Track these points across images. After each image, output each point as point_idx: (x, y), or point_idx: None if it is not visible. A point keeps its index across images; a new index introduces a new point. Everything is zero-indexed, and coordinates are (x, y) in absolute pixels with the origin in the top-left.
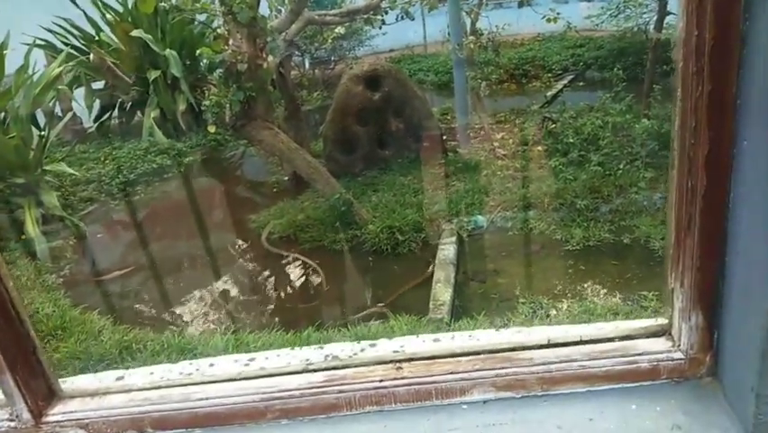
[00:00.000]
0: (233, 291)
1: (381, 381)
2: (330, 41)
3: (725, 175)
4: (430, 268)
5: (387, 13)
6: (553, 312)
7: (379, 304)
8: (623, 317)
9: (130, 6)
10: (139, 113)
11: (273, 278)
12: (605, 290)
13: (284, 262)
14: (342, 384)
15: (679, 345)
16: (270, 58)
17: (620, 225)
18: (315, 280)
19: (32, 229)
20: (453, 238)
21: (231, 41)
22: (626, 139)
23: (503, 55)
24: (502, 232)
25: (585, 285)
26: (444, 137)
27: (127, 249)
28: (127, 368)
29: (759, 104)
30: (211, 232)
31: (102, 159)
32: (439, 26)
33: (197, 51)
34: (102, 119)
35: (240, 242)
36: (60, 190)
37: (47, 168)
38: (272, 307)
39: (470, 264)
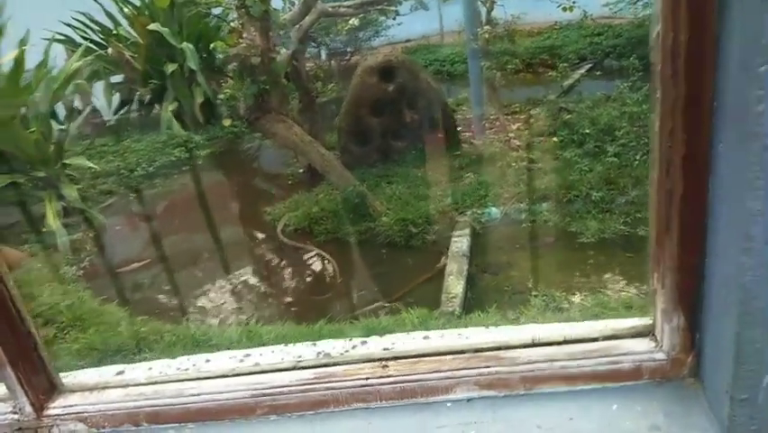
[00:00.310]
0: (249, 283)
1: (368, 378)
2: (345, 32)
3: (702, 178)
4: (443, 260)
5: (401, 3)
6: (566, 305)
7: (391, 297)
8: (637, 311)
9: (147, 0)
10: (157, 106)
11: (288, 270)
12: (620, 284)
13: (298, 254)
14: (329, 381)
15: (661, 346)
16: (284, 50)
17: (636, 217)
18: (329, 272)
19: (52, 222)
20: (467, 230)
21: (244, 35)
22: (643, 129)
23: (519, 44)
24: (516, 224)
25: (599, 278)
26: (459, 128)
27: (145, 241)
28: (145, 360)
29: (734, 106)
30: (227, 224)
31: (121, 152)
32: (455, 16)
33: (212, 45)
34: (121, 112)
35: (255, 234)
36: (80, 183)
37: (67, 161)
38: (286, 299)
39: (483, 257)
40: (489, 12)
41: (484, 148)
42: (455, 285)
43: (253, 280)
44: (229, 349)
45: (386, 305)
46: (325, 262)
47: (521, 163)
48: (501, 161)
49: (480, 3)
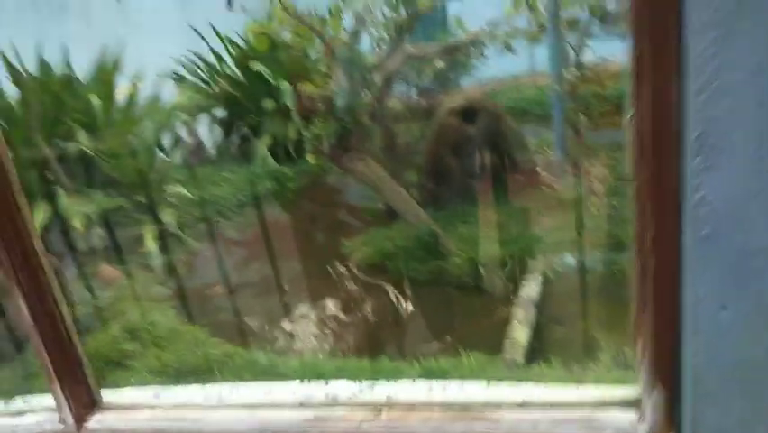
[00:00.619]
0: (319, 315)
1: (361, 423)
2: (431, 73)
3: (671, 258)
4: (510, 306)
5: (486, 46)
6: (635, 362)
7: (454, 339)
8: None
9: (250, 43)
10: (254, 139)
11: (357, 304)
12: None
13: (369, 288)
14: (326, 423)
15: (644, 419)
16: (368, 92)
17: None
18: (396, 309)
19: (149, 244)
20: (538, 276)
21: (331, 77)
22: None
23: (608, 87)
24: (591, 273)
25: None
26: (540, 171)
27: (231, 267)
28: (212, 382)
29: (685, 194)
30: (307, 254)
31: (218, 181)
32: (546, 56)
33: (301, 85)
34: (221, 144)
35: (331, 266)
36: (178, 210)
37: (166, 189)
38: (352, 332)
39: (553, 305)
40: (576, 54)
41: (564, 192)
42: (520, 332)
43: (324, 312)
44: (289, 378)
45: (447, 347)
46: (394, 298)
47: (602, 210)
48: (581, 206)
49: (568, 44)
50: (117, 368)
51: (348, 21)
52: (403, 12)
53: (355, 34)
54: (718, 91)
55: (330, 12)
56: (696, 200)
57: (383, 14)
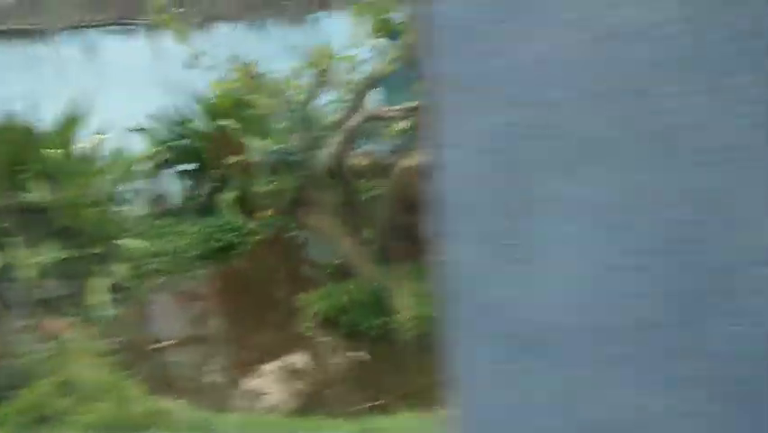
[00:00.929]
0: (265, 370)
1: None
2: (394, 133)
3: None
4: None
5: None
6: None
7: (397, 395)
8: None
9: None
10: (220, 193)
11: (304, 360)
12: None
13: (319, 344)
14: None
15: None
16: (328, 150)
17: None
18: (344, 365)
19: (99, 297)
20: None
21: (290, 135)
22: None
23: None
24: None
25: None
26: None
27: (182, 321)
28: None
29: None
30: (261, 309)
31: (179, 233)
32: None
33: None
34: (186, 197)
35: (284, 321)
36: (132, 262)
37: (121, 240)
38: (297, 388)
39: None
40: None
41: None
42: None
43: (269, 368)
44: None
45: (386, 403)
46: (342, 354)
47: None
48: None
49: None
50: (51, 423)
51: (308, 81)
52: (362, 74)
53: (313, 94)
54: (449, 164)
55: (291, 73)
56: (441, 261)
57: (343, 77)
